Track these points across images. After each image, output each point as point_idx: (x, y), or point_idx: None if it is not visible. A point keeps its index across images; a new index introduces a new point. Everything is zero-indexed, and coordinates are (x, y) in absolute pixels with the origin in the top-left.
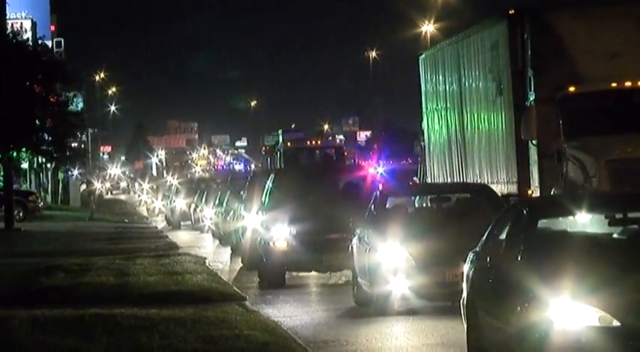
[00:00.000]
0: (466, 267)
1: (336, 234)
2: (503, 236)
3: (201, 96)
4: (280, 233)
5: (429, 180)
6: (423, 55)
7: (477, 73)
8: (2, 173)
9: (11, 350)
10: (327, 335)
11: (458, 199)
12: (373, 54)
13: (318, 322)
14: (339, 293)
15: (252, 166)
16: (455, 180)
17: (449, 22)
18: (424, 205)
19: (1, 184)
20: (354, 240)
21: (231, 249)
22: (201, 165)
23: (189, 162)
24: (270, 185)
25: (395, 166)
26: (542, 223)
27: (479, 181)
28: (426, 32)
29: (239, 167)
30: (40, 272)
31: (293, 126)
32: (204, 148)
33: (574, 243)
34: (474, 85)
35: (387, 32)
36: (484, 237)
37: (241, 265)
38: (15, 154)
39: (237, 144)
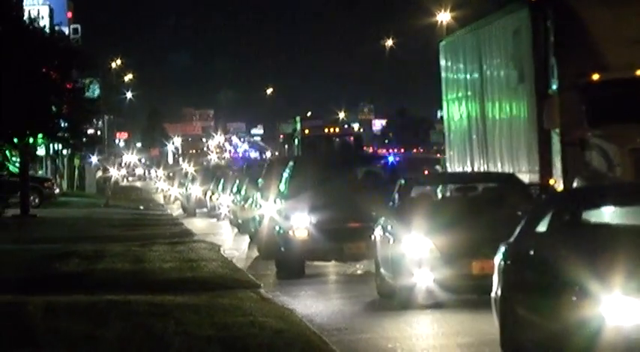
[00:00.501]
0: (497, 260)
1: (356, 222)
2: (542, 228)
3: (218, 83)
4: (300, 221)
5: (448, 169)
6: (444, 42)
7: (499, 60)
8: (18, 159)
9: (25, 335)
10: (342, 324)
11: (484, 189)
12: (389, 42)
13: (335, 311)
14: (358, 283)
15: (268, 154)
16: (475, 170)
17: (465, 11)
18: (449, 195)
19: (17, 170)
20: (377, 230)
21: (250, 238)
22: (217, 153)
23: (205, 149)
24: (289, 173)
25: (403, 155)
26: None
27: (500, 170)
28: (441, 21)
29: (254, 155)
30: (55, 259)
31: (309, 114)
32: (220, 135)
33: (623, 236)
34: (495, 72)
35: (402, 20)
36: (519, 228)
37: (258, 254)
38: (31, 140)
39: (253, 131)
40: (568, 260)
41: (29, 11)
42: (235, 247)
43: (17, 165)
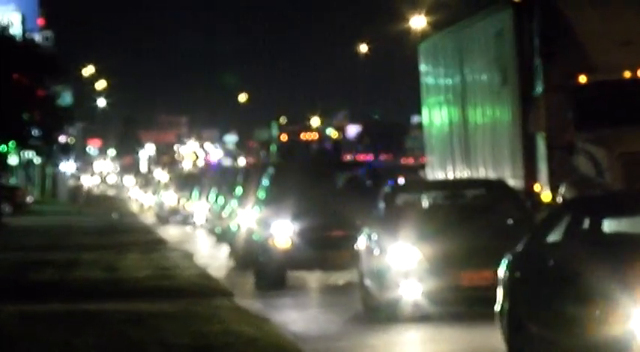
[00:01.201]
0: (502, 272)
1: (340, 230)
2: (555, 237)
3: (191, 90)
4: (282, 230)
5: (429, 175)
6: (423, 45)
7: (481, 62)
8: None
9: (0, 342)
10: (317, 332)
11: (473, 196)
12: (364, 48)
13: (311, 320)
14: (338, 294)
15: (242, 161)
16: (457, 176)
17: (440, 15)
18: (437, 202)
19: None
20: (361, 240)
21: (230, 247)
22: (191, 160)
23: (178, 156)
24: (269, 179)
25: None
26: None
27: (483, 176)
28: (415, 26)
29: (228, 162)
30: (28, 267)
31: (281, 119)
32: (195, 141)
33: None
34: (477, 75)
35: (377, 26)
36: (526, 238)
37: (234, 264)
38: (3, 148)
39: (227, 138)
40: (591, 272)
41: None
42: (212, 256)
43: None
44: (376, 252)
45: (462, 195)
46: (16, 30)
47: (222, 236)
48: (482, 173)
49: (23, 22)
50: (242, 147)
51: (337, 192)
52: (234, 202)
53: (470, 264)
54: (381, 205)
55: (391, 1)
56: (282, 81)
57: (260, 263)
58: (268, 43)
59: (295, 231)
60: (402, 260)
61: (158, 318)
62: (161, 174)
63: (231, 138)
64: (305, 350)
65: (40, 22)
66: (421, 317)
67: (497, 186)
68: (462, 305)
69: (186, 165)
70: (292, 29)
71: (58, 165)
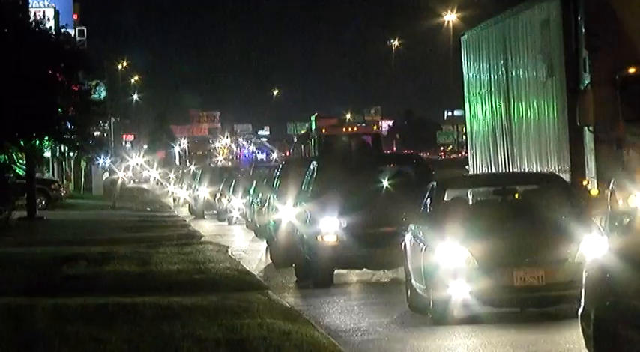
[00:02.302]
0: (590, 270)
1: (390, 226)
2: None
3: (224, 85)
4: (329, 226)
5: (470, 169)
6: (466, 36)
7: (525, 53)
8: (25, 161)
9: (32, 338)
10: (350, 326)
11: (525, 191)
12: (395, 43)
13: (345, 313)
14: (383, 292)
15: (275, 155)
16: (500, 170)
17: (471, 11)
18: (486, 198)
19: (24, 173)
20: (408, 237)
21: (267, 243)
22: (223, 154)
23: (212, 150)
24: (313, 174)
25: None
26: None
27: (527, 170)
28: (448, 22)
29: (261, 156)
30: (62, 261)
31: (315, 114)
32: (227, 137)
33: None
34: (521, 67)
35: (410, 21)
36: (619, 233)
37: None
38: (37, 143)
39: (260, 132)
40: None
41: (35, 13)
42: (247, 251)
43: (24, 167)
44: (423, 250)
45: (512, 190)
46: (50, 25)
47: (261, 231)
48: (526, 167)
49: (57, 17)
50: (274, 141)
51: (385, 187)
52: (274, 197)
53: (522, 263)
54: (428, 201)
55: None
56: (314, 77)
57: (304, 260)
58: (300, 39)
59: (343, 227)
60: (451, 259)
61: (190, 312)
62: (195, 169)
63: (263, 133)
64: (339, 343)
65: (75, 17)
66: (470, 319)
67: (550, 181)
68: (514, 305)
69: (220, 160)
70: (324, 25)
71: (92, 160)
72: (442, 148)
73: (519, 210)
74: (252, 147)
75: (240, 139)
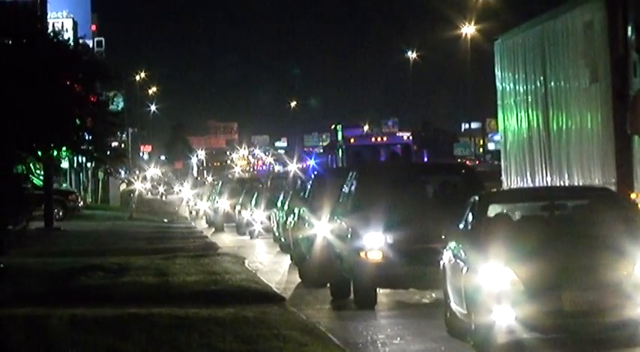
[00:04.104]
0: None
1: (439, 242)
2: None
3: (241, 96)
4: (374, 242)
5: (504, 182)
6: (499, 40)
7: (566, 58)
8: (42, 172)
9: (49, 348)
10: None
11: (575, 206)
12: (413, 55)
13: (374, 334)
14: (423, 314)
15: (292, 166)
16: (537, 182)
17: (490, 24)
18: (532, 214)
19: (42, 183)
20: (447, 256)
21: (291, 258)
22: (241, 166)
23: (229, 162)
24: (353, 185)
25: None
26: None
27: (567, 183)
28: (466, 34)
29: (278, 168)
30: (79, 272)
31: (333, 126)
32: (244, 148)
33: None
34: (561, 72)
35: (426, 34)
36: None
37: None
38: (55, 154)
39: (277, 144)
40: None
41: (53, 24)
42: (273, 266)
43: (41, 178)
44: (464, 270)
45: (562, 205)
46: (68, 35)
47: (287, 246)
48: (566, 180)
49: (75, 28)
50: (292, 153)
51: (431, 199)
52: (305, 210)
53: (572, 286)
54: (469, 217)
55: (441, 9)
56: (331, 89)
57: (342, 279)
58: (317, 52)
59: (388, 243)
60: (494, 281)
61: (207, 323)
62: (214, 180)
63: (281, 145)
64: None
65: (93, 28)
66: (515, 347)
67: (602, 195)
68: (563, 332)
69: (238, 171)
70: (341, 38)
71: (109, 171)
72: (459, 160)
73: (569, 227)
74: (269, 159)
75: (257, 151)
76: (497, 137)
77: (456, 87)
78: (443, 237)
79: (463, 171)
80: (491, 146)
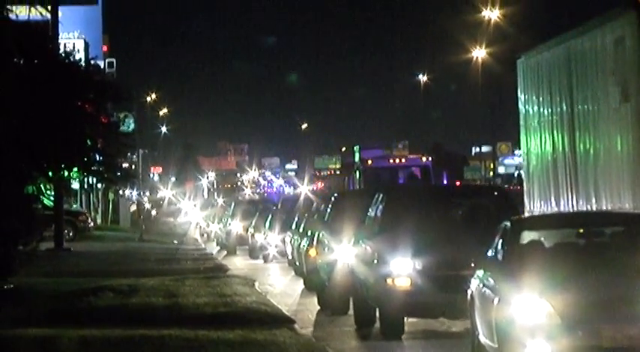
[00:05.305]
0: None
1: (468, 269)
2: None
3: (252, 118)
4: (401, 268)
5: (527, 206)
6: (523, 58)
7: (594, 77)
8: (53, 192)
9: None
10: None
11: (613, 233)
12: (424, 78)
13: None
14: (448, 345)
15: (302, 188)
16: (562, 208)
17: (500, 47)
18: (567, 241)
19: (52, 204)
20: (474, 285)
21: (315, 284)
22: (251, 187)
23: (240, 184)
24: (379, 207)
25: None
26: None
27: (594, 208)
28: (477, 57)
29: (289, 190)
30: (89, 292)
31: (343, 149)
32: (255, 170)
33: None
34: (589, 92)
35: (437, 57)
36: None
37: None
38: (66, 174)
39: (287, 166)
40: None
41: (64, 45)
42: (287, 291)
43: (51, 198)
44: (494, 302)
45: (599, 231)
46: (80, 56)
47: (304, 271)
48: (594, 204)
49: (87, 49)
50: (302, 175)
51: (461, 223)
52: (323, 234)
53: (612, 319)
54: (499, 244)
55: (452, 33)
56: (341, 112)
57: (366, 307)
58: (327, 73)
59: (417, 269)
60: (528, 314)
61: (217, 345)
62: (225, 202)
63: (291, 167)
64: None
65: (104, 48)
66: None
67: None
68: None
69: (248, 193)
70: (351, 60)
71: (120, 191)
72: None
73: (607, 255)
74: (280, 181)
75: (267, 173)
76: (507, 160)
77: (467, 109)
78: (473, 264)
79: (495, 193)
80: (501, 169)
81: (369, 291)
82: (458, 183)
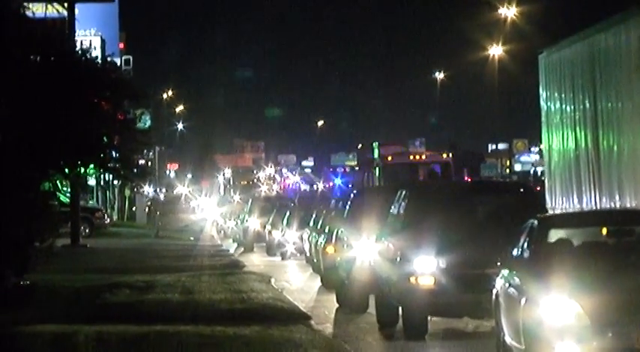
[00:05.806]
0: None
1: (494, 268)
2: None
3: (268, 115)
4: (425, 266)
5: (548, 203)
6: (545, 53)
7: (618, 72)
8: (69, 189)
9: None
10: None
11: None
12: (440, 75)
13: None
14: (473, 345)
15: (319, 185)
16: (584, 206)
17: (517, 45)
18: (596, 240)
19: (68, 200)
20: (500, 284)
21: (333, 282)
22: (267, 184)
23: (256, 181)
24: (403, 204)
25: None
26: None
27: (618, 206)
28: (493, 55)
29: (305, 186)
30: (105, 289)
31: (360, 146)
32: (271, 167)
33: None
34: (613, 88)
35: (453, 55)
36: None
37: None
38: (82, 171)
39: (304, 163)
40: None
41: (81, 42)
42: (305, 288)
43: (68, 195)
44: (521, 302)
45: (630, 230)
46: (96, 53)
47: (322, 269)
48: (617, 201)
49: (104, 46)
50: (319, 172)
51: (487, 221)
52: (342, 231)
53: None
54: (526, 243)
55: (468, 30)
56: (358, 109)
57: (388, 305)
58: (342, 71)
59: (441, 267)
60: (557, 315)
61: (233, 341)
62: (243, 199)
63: (307, 164)
64: None
65: (121, 46)
66: None
67: None
68: None
69: (264, 190)
70: (367, 57)
71: (136, 188)
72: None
73: (637, 254)
74: (296, 178)
75: (284, 170)
76: (523, 158)
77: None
78: (498, 263)
79: (521, 190)
80: (517, 167)
81: (391, 290)
82: (483, 180)
